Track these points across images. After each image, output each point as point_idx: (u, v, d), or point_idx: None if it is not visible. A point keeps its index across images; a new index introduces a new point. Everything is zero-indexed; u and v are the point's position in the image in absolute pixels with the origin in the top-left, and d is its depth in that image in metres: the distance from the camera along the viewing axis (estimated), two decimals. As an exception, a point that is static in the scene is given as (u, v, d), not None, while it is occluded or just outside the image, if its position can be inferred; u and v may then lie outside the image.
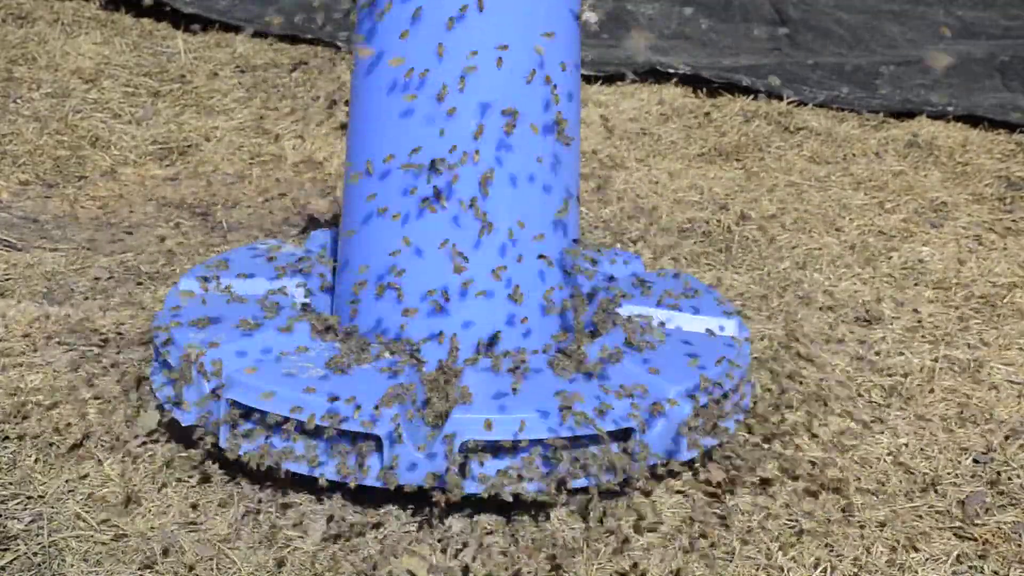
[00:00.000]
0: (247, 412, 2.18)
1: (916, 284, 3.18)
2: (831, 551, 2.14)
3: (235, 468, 2.23)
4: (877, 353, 2.82)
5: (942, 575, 2.11)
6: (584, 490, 2.18)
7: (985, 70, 4.69)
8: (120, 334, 2.70)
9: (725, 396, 2.32)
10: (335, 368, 2.22)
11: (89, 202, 3.43)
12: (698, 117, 4.31)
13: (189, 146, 3.84)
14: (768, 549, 2.13)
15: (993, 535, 2.20)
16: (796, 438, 2.45)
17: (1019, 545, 2.18)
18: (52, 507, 2.14)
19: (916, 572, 2.10)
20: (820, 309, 3.02)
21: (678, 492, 2.28)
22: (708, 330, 2.47)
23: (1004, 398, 2.65)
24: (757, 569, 2.08)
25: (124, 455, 2.29)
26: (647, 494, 2.26)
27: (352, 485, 2.12)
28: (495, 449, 2.12)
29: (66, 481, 2.21)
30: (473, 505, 2.15)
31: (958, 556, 2.14)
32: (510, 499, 2.11)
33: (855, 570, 2.10)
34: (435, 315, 2.31)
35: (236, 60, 4.60)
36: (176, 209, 3.42)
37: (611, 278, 2.68)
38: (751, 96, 4.52)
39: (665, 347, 2.37)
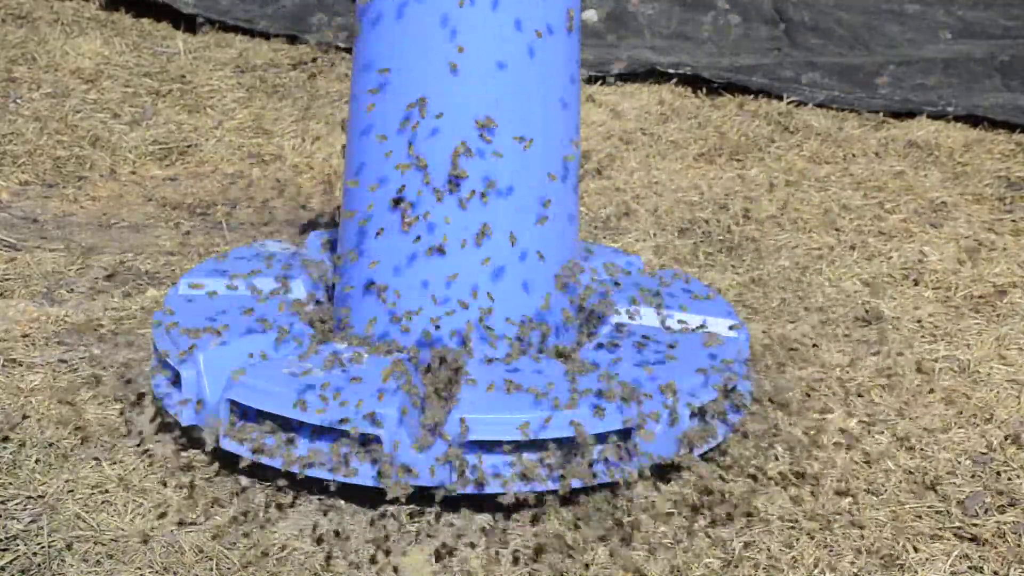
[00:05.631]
0: (247, 412, 2.18)
1: (916, 284, 3.18)
2: (831, 551, 2.14)
3: (235, 468, 2.23)
4: (877, 353, 2.82)
5: (942, 575, 2.11)
6: (584, 489, 2.18)
7: (985, 70, 4.69)
8: (119, 334, 2.70)
9: (724, 396, 2.32)
10: (334, 368, 2.22)
11: (89, 202, 3.43)
12: (698, 117, 4.31)
13: (189, 146, 3.84)
14: (768, 549, 2.13)
15: (993, 535, 2.20)
16: (795, 438, 2.45)
17: (1019, 545, 2.18)
18: (52, 507, 2.14)
19: (916, 572, 2.10)
20: (820, 309, 3.02)
21: (677, 492, 2.28)
22: (707, 330, 2.47)
23: (1004, 398, 2.65)
24: (757, 569, 2.08)
25: (124, 455, 2.29)
26: (646, 494, 2.26)
27: (351, 484, 2.12)
28: (494, 448, 2.12)
29: (66, 481, 2.21)
30: (473, 505, 2.15)
31: (958, 556, 2.14)
32: (509, 498, 2.11)
33: (855, 570, 2.10)
34: (435, 315, 2.31)
35: (236, 60, 4.60)
36: (176, 209, 3.42)
37: (609, 278, 2.68)
38: (751, 96, 4.52)
39: (664, 347, 2.37)
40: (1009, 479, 2.37)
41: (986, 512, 2.26)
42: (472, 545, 2.12)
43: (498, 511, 2.16)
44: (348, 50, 4.73)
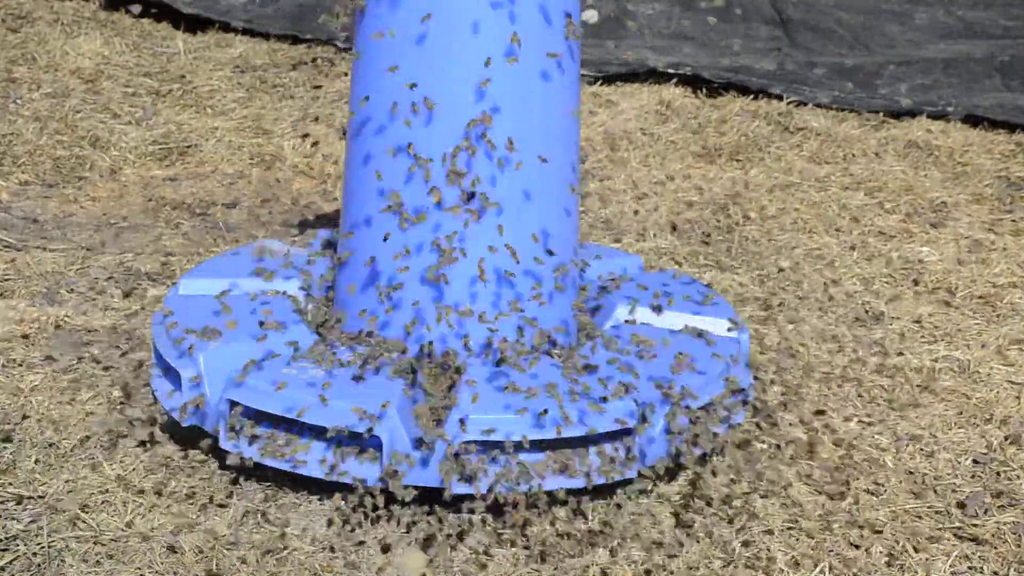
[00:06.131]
0: (247, 413, 2.18)
1: (916, 284, 3.18)
2: (831, 551, 2.14)
3: (235, 468, 2.23)
4: (877, 353, 2.82)
5: (942, 575, 2.11)
6: (583, 490, 2.18)
7: (985, 70, 4.69)
8: (119, 334, 2.70)
9: (724, 396, 2.32)
10: (334, 368, 2.22)
11: (89, 202, 3.43)
12: (698, 117, 4.31)
13: (189, 146, 3.84)
14: (768, 549, 2.13)
15: (993, 535, 2.20)
16: (795, 439, 2.45)
17: (1019, 545, 2.18)
18: (52, 507, 2.14)
19: (916, 572, 2.10)
20: (820, 309, 3.02)
21: (677, 492, 2.28)
22: (707, 331, 2.47)
23: (1004, 398, 2.65)
24: (757, 570, 2.08)
25: (124, 455, 2.29)
26: (646, 495, 2.26)
27: (352, 485, 2.12)
28: (494, 449, 2.12)
29: (66, 481, 2.21)
30: (472, 505, 2.15)
31: (958, 556, 2.14)
32: (508, 499, 2.10)
33: (855, 570, 2.10)
34: (435, 315, 2.31)
35: (236, 60, 4.61)
36: (176, 209, 3.42)
37: (610, 278, 2.68)
38: (751, 96, 4.52)
39: (663, 347, 2.37)
40: (1009, 479, 2.37)
41: (986, 512, 2.26)
42: (472, 546, 2.12)
43: (497, 511, 2.15)
44: (348, 50, 4.73)
